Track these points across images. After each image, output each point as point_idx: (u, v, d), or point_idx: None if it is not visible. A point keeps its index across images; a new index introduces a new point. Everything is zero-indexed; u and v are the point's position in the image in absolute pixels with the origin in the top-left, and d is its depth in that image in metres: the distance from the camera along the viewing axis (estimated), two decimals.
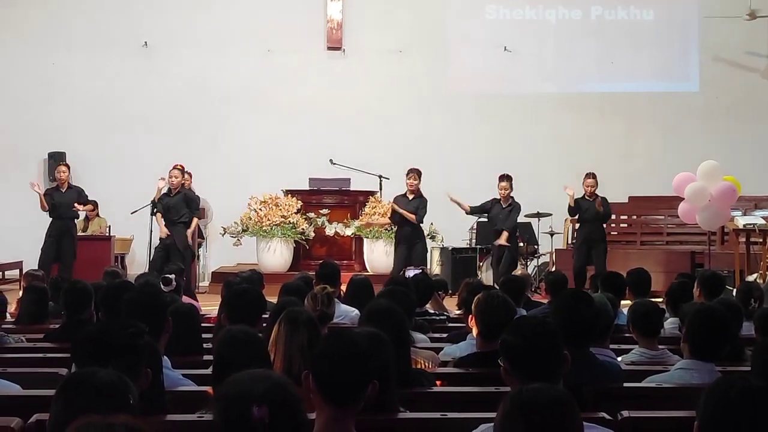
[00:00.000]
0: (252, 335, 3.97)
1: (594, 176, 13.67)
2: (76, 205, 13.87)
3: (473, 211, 13.91)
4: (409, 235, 13.51)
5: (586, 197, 13.61)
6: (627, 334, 6.09)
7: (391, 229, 14.24)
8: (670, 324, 6.66)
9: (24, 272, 13.07)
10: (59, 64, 18.16)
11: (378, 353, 3.37)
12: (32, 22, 18.13)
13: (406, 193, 13.67)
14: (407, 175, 13.65)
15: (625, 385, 4.62)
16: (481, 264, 15.06)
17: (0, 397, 4.25)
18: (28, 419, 3.71)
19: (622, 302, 7.56)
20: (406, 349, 4.57)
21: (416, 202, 13.53)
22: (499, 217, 13.58)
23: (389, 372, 3.67)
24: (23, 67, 18.11)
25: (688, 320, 4.83)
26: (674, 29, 18.97)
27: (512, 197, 13.62)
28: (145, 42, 18.34)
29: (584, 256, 13.52)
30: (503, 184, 13.57)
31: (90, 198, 16.88)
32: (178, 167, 13.90)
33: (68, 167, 14.04)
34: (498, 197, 13.63)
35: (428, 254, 14.29)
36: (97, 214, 16.75)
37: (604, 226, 14.09)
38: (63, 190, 13.79)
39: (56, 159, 17.69)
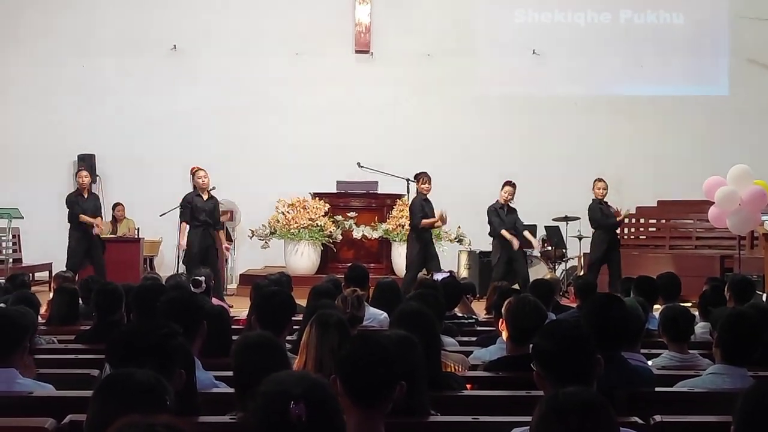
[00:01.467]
0: (269, 340, 3.98)
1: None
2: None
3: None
4: (430, 237, 13.53)
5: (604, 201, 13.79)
6: (658, 339, 6.06)
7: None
8: (701, 329, 6.63)
9: (54, 274, 13.15)
10: (89, 67, 18.26)
11: (404, 355, 3.37)
12: (62, 26, 18.24)
13: (427, 198, 13.61)
14: (424, 178, 13.57)
15: (657, 389, 4.60)
16: None
17: (34, 397, 4.28)
18: (62, 420, 3.74)
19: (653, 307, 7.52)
20: (437, 352, 4.57)
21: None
22: (510, 219, 13.58)
23: (419, 375, 3.68)
24: (53, 69, 18.21)
25: (719, 325, 4.81)
26: (704, 32, 18.86)
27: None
28: (174, 45, 18.42)
29: (603, 256, 13.66)
30: (509, 188, 13.61)
31: (118, 200, 17.05)
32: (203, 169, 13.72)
33: (90, 173, 13.85)
34: (501, 202, 13.63)
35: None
36: (125, 216, 16.85)
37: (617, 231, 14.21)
38: (85, 196, 13.69)
39: (86, 161, 17.80)
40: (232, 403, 3.94)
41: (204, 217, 13.24)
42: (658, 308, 7.21)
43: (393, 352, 3.20)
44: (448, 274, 10.83)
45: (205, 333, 4.84)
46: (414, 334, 3.78)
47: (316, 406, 2.51)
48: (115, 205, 17.11)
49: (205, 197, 13.39)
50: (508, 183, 13.69)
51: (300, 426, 2.48)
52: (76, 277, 11.32)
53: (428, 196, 13.51)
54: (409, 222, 13.74)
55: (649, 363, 5.34)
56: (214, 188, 14.28)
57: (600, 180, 13.92)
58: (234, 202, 16.52)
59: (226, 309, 6.26)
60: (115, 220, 16.90)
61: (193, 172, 13.51)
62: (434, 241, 13.83)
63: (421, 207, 13.39)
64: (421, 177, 13.50)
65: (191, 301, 5.12)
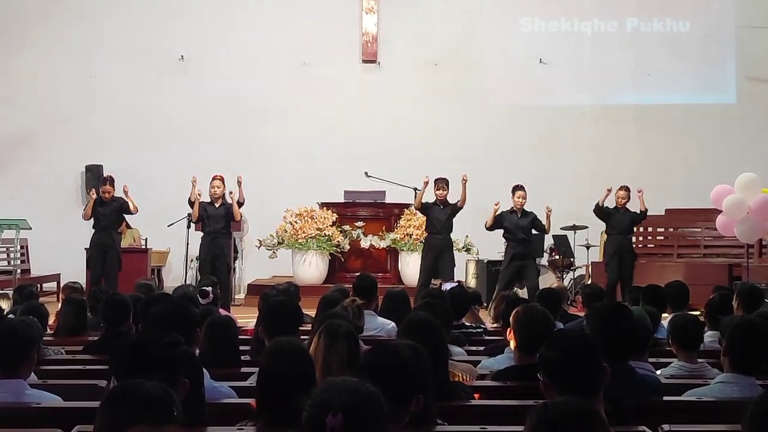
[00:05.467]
0: (299, 347, 3.97)
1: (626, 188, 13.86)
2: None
3: (493, 227, 13.76)
4: (440, 244, 13.49)
5: (618, 209, 13.69)
6: (667, 348, 6.04)
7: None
8: (710, 337, 6.60)
9: (62, 285, 13.15)
10: (96, 78, 18.33)
11: (419, 365, 3.37)
12: (70, 36, 18.30)
13: (436, 202, 13.62)
14: (439, 184, 13.63)
15: (665, 398, 4.58)
16: None
17: (42, 408, 4.28)
18: (70, 430, 3.74)
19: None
20: (444, 361, 4.56)
21: (449, 210, 13.54)
22: (518, 226, 13.55)
23: (427, 385, 3.67)
24: (61, 80, 18.28)
25: (728, 334, 4.79)
26: (711, 41, 18.86)
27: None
28: (182, 56, 18.47)
29: (617, 269, 13.57)
30: (521, 192, 13.58)
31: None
32: (219, 177, 13.83)
33: (113, 187, 13.85)
34: (513, 207, 13.61)
35: (455, 267, 14.09)
36: (128, 226, 16.84)
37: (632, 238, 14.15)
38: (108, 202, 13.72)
39: (93, 172, 17.85)
40: (240, 413, 3.94)
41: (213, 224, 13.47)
42: (666, 317, 7.19)
43: (411, 362, 3.20)
44: (457, 283, 10.82)
45: (199, 342, 4.84)
46: (422, 344, 3.77)
47: (355, 417, 2.50)
48: None
49: (218, 204, 13.59)
50: (519, 187, 13.68)
51: None
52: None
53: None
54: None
55: (658, 372, 5.32)
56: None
57: (619, 188, 13.90)
58: (242, 211, 16.52)
59: (233, 319, 6.26)
60: (119, 233, 16.87)
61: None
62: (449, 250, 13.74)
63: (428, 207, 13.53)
64: (436, 183, 13.53)
65: (182, 311, 5.13)
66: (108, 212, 13.51)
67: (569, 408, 2.60)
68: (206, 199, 13.62)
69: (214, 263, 13.28)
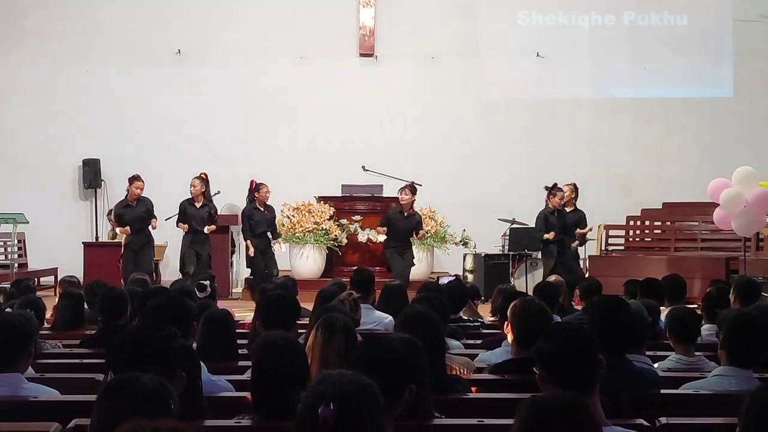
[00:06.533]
0: (291, 340, 3.98)
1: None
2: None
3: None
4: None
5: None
6: (664, 341, 6.05)
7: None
8: (707, 331, 6.62)
9: (59, 279, 13.15)
10: (94, 71, 18.27)
11: (414, 358, 3.37)
12: (66, 30, 18.25)
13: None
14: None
15: (663, 391, 4.60)
16: (513, 270, 15.02)
17: (39, 402, 4.29)
18: (67, 424, 3.75)
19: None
20: (441, 355, 4.56)
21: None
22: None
23: (424, 378, 3.68)
24: (57, 74, 18.23)
25: (725, 327, 4.80)
26: (708, 34, 18.84)
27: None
28: (179, 50, 18.43)
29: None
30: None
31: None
32: (201, 176, 14.17)
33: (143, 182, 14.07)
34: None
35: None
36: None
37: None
38: (134, 206, 13.89)
39: (90, 166, 17.85)
40: (238, 407, 3.95)
41: (195, 224, 14.06)
42: (663, 310, 7.20)
43: (402, 354, 3.20)
44: (454, 277, 10.83)
45: (196, 335, 4.84)
46: (419, 337, 3.78)
47: (348, 409, 2.51)
48: (110, 212, 17.13)
49: (198, 204, 14.16)
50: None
51: (327, 427, 2.47)
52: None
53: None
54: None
55: (655, 366, 5.33)
56: (218, 192, 14.47)
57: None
58: (239, 206, 16.50)
59: (230, 313, 6.26)
60: (114, 228, 16.87)
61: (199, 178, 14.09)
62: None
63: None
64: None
65: (179, 305, 5.13)
66: (135, 216, 13.83)
67: (556, 401, 2.63)
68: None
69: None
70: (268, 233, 14.47)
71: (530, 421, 2.57)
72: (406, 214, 13.92)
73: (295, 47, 18.35)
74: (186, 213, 14.13)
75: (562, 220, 14.06)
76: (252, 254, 14.25)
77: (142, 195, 13.89)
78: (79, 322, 7.46)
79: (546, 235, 13.95)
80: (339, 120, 18.21)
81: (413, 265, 13.97)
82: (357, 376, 2.68)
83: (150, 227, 13.89)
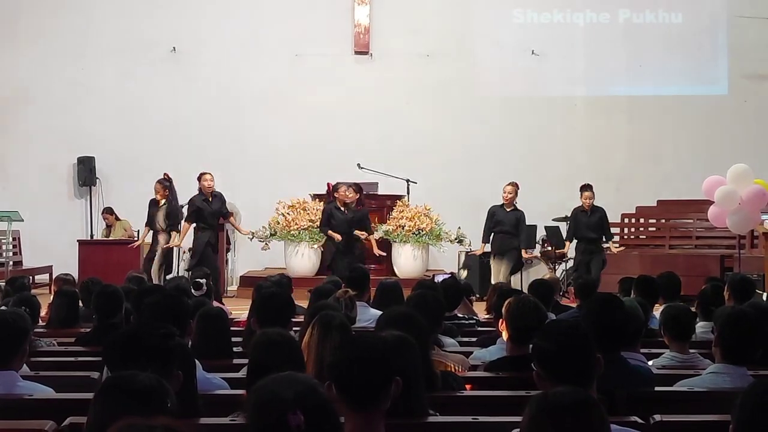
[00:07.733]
0: (287, 338, 3.98)
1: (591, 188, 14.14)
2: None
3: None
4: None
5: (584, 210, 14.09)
6: (659, 339, 6.05)
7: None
8: (701, 328, 6.62)
9: (54, 276, 13.14)
10: (88, 69, 18.25)
11: (397, 354, 3.35)
12: (61, 28, 18.22)
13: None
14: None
15: (657, 389, 4.60)
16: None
17: (34, 400, 4.29)
18: (62, 422, 3.74)
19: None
20: (426, 354, 4.53)
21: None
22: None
23: (416, 375, 3.67)
24: (53, 72, 18.20)
25: (719, 324, 4.80)
26: (703, 32, 18.85)
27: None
28: (174, 47, 18.40)
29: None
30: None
31: (117, 203, 17.04)
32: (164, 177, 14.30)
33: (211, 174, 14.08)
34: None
35: None
36: (117, 218, 16.80)
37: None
38: (210, 200, 13.96)
39: (85, 164, 17.83)
40: (233, 404, 3.95)
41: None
42: (658, 308, 7.20)
43: (384, 350, 3.18)
44: (449, 275, 10.83)
45: (192, 333, 4.84)
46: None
47: (311, 411, 2.51)
48: (104, 210, 17.11)
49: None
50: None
51: None
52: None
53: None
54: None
55: (650, 363, 5.34)
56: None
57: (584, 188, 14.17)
58: (234, 203, 16.50)
59: (225, 311, 6.26)
60: (108, 226, 16.88)
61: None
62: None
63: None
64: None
65: (175, 303, 5.13)
66: (213, 211, 14.04)
67: (569, 398, 2.61)
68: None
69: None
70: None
71: (542, 417, 2.57)
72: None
73: (291, 45, 18.34)
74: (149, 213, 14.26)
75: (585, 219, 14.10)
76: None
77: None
78: (73, 320, 7.44)
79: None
80: (334, 117, 18.19)
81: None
82: (296, 376, 2.71)
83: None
